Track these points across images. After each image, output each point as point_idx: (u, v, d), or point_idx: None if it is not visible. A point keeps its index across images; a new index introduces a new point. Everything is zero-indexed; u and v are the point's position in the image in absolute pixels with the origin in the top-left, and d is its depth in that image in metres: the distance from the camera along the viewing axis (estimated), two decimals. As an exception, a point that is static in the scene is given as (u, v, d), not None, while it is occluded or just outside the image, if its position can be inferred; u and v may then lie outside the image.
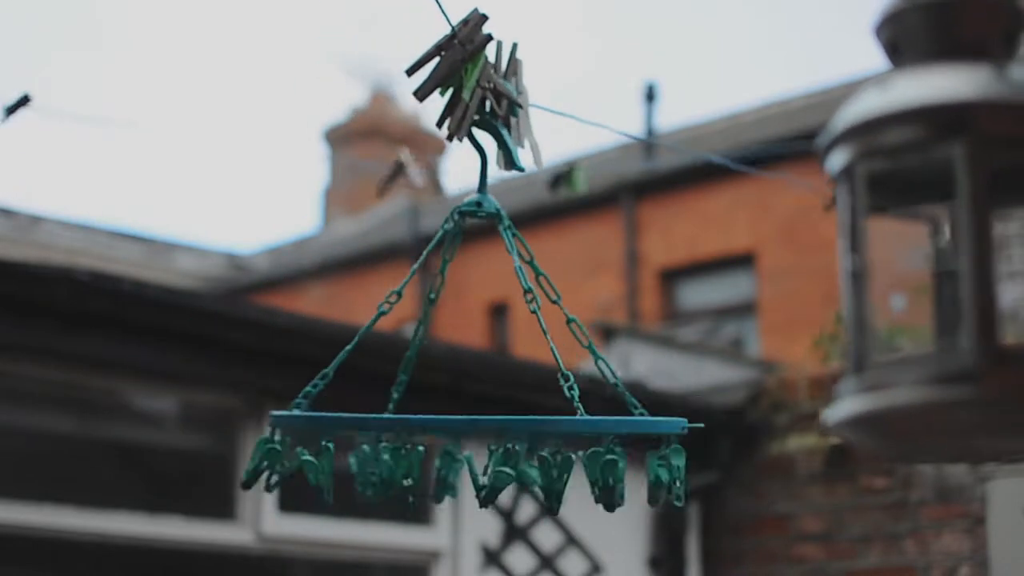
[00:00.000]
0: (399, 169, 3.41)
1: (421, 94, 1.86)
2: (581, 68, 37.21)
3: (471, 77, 1.86)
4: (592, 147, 14.66)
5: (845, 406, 1.46)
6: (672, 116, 32.70)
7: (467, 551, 5.25)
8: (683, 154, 12.21)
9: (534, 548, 5.41)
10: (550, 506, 1.79)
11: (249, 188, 37.12)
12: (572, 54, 37.96)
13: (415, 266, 1.96)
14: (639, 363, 7.13)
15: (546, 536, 5.43)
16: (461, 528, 5.23)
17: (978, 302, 1.38)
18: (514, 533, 5.37)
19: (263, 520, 4.78)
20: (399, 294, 1.92)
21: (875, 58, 1.60)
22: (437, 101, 1.91)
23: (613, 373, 1.89)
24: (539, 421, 1.80)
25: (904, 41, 1.51)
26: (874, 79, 1.50)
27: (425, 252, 1.97)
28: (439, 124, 1.88)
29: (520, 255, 1.94)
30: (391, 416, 1.95)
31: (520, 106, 1.95)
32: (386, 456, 1.87)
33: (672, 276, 12.90)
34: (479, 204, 1.96)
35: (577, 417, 1.81)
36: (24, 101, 2.68)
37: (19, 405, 4.60)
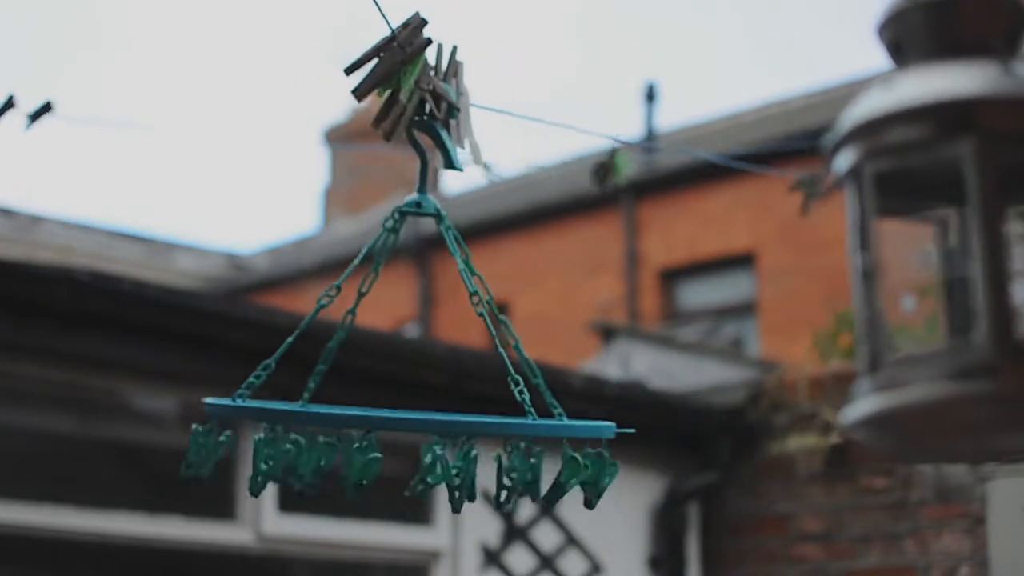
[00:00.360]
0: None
1: (359, 94, 1.90)
2: (581, 68, 37.21)
3: (409, 79, 1.90)
4: (591, 147, 14.65)
5: (861, 406, 1.45)
6: (672, 116, 32.68)
7: (467, 551, 5.24)
8: (683, 154, 12.20)
9: (534, 548, 5.40)
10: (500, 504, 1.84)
11: (249, 188, 37.09)
12: (572, 54, 37.97)
13: (355, 262, 2.00)
14: (639, 363, 7.12)
15: (546, 536, 5.43)
16: (461, 528, 5.22)
17: (992, 297, 1.37)
18: (514, 533, 5.36)
19: (263, 520, 4.78)
20: (338, 287, 1.97)
21: (875, 58, 1.60)
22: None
23: (534, 372, 1.94)
24: (454, 423, 1.86)
25: (907, 40, 1.52)
26: (879, 79, 1.51)
27: (365, 250, 2.00)
28: (375, 124, 1.92)
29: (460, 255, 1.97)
30: (319, 410, 1.98)
31: (458, 108, 1.97)
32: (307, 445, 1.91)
33: (672, 276, 12.89)
34: (419, 204, 1.98)
35: (495, 419, 1.89)
36: (46, 108, 2.68)
37: (19, 405, 4.59)
